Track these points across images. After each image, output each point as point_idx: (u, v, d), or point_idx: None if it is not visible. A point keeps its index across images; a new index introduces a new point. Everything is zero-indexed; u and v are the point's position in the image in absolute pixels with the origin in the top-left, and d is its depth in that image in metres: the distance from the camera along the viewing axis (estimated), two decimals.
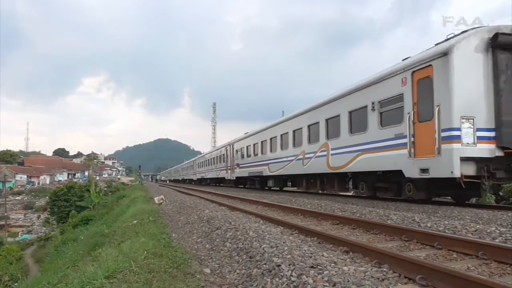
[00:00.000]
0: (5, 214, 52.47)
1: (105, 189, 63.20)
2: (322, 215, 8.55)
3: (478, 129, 8.33)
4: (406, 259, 3.97)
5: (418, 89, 9.32)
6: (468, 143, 8.26)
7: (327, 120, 13.86)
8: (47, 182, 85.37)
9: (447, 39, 9.08)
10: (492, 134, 8.40)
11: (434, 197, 11.09)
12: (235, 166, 26.31)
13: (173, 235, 7.74)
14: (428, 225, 6.64)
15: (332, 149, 13.30)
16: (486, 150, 8.36)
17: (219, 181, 34.02)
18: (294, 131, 16.84)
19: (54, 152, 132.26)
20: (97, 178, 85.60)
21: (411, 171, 9.38)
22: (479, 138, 8.34)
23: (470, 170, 8.32)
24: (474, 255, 4.59)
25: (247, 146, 24.23)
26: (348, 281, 3.53)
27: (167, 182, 78.34)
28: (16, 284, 15.03)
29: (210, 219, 8.64)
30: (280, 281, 3.94)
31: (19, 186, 76.75)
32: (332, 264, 4.14)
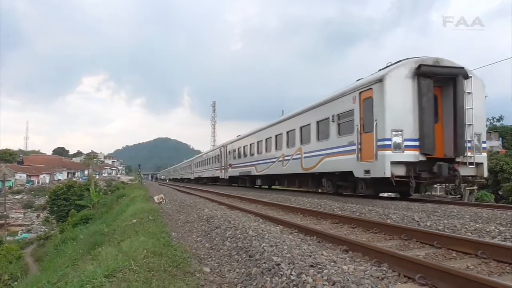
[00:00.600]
0: (5, 213, 52.45)
1: (105, 188, 63.23)
2: (321, 214, 8.55)
3: (406, 139, 10.35)
4: (406, 258, 3.97)
5: (364, 107, 11.39)
6: (397, 150, 10.29)
7: (301, 128, 15.89)
8: (47, 181, 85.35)
9: (386, 67, 11.20)
10: (417, 143, 10.37)
11: (381, 193, 13.21)
12: (228, 166, 28.15)
13: (173, 234, 7.75)
14: (428, 224, 6.65)
15: (305, 153, 15.35)
16: (412, 155, 10.34)
17: (214, 180, 35.68)
18: (276, 136, 18.82)
19: (53, 151, 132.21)
20: (97, 177, 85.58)
21: (359, 172, 11.42)
22: (406, 146, 10.33)
23: (401, 171, 10.31)
24: (473, 254, 4.59)
25: (238, 148, 25.96)
26: (348, 280, 3.53)
27: (167, 181, 78.37)
28: (15, 283, 15.03)
29: (209, 218, 8.64)
30: (280, 280, 3.94)
31: (18, 185, 76.75)
32: (332, 263, 4.14)
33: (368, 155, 10.99)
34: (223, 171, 29.88)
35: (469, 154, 10.59)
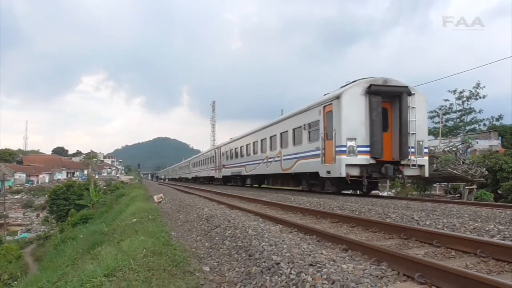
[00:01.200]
0: (4, 212, 52.41)
1: (104, 187, 63.18)
2: (321, 213, 8.56)
3: (359, 146, 12.36)
4: (405, 257, 3.98)
5: (327, 118, 13.47)
6: (351, 155, 12.31)
7: (281, 133, 18.01)
8: (46, 180, 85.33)
9: (346, 84, 13.43)
10: (368, 149, 12.38)
11: (342, 191, 15.06)
12: (222, 167, 30.25)
13: (172, 233, 7.76)
14: (427, 223, 6.66)
15: (284, 156, 17.40)
16: (364, 159, 12.37)
17: (210, 180, 37.32)
18: (261, 140, 20.92)
19: (53, 151, 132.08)
20: (96, 176, 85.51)
21: (323, 173, 13.56)
22: (359, 151, 12.35)
23: (355, 172, 12.38)
24: (472, 253, 4.60)
25: (230, 150, 27.97)
26: (347, 279, 3.53)
27: (166, 180, 78.37)
28: (15, 282, 15.02)
29: (209, 217, 8.64)
30: (279, 279, 3.95)
31: (18, 185, 76.73)
32: (331, 262, 4.15)
33: (329, 159, 13.17)
34: (217, 171, 31.79)
35: (412, 157, 12.63)
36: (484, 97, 47.76)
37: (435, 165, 21.42)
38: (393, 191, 29.11)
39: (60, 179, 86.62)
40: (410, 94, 12.72)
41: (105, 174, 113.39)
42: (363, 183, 12.35)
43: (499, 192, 21.11)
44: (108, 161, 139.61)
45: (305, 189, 16.94)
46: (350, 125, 12.44)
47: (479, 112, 48.81)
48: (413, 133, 12.68)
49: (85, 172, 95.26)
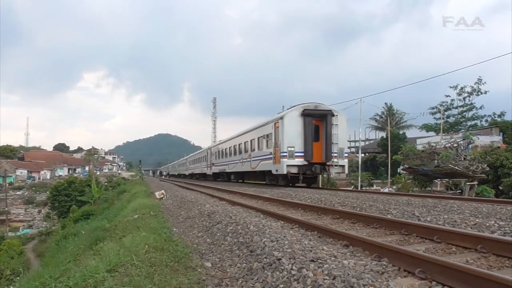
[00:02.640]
0: (6, 209, 52.61)
1: (106, 184, 63.32)
2: (322, 209, 8.57)
3: (296, 152, 16.99)
4: (405, 253, 4.00)
5: (276, 132, 18.26)
6: (291, 158, 16.97)
7: (251, 140, 22.68)
8: (48, 177, 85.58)
9: (289, 108, 18.65)
10: (302, 154, 17.00)
11: (290, 184, 18.69)
12: (212, 165, 34.82)
13: (174, 229, 7.79)
14: (428, 219, 6.68)
15: (252, 157, 22.11)
16: (300, 161, 17.01)
17: (203, 176, 41.34)
18: (239, 144, 25.53)
19: (54, 147, 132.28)
20: (98, 173, 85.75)
21: (274, 171, 18.37)
22: (297, 156, 16.99)
23: (294, 170, 17.10)
24: (473, 248, 4.61)
25: (218, 151, 32.72)
26: (348, 274, 3.55)
27: (168, 176, 78.56)
28: (17, 278, 15.09)
29: (210, 213, 8.67)
30: (281, 274, 3.97)
31: (19, 181, 76.96)
32: (332, 258, 4.17)
33: (277, 161, 17.81)
34: (208, 168, 36.40)
35: (335, 160, 17.28)
36: (485, 92, 47.56)
37: (436, 161, 21.43)
38: (394, 187, 29.20)
39: (61, 175, 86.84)
40: (333, 115, 17.51)
41: (107, 170, 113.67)
42: (299, 178, 17.25)
43: (500, 188, 21.12)
44: (110, 157, 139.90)
45: (267, 183, 21.15)
46: (290, 137, 17.16)
47: (481, 108, 48.66)
48: (336, 143, 17.34)
49: (87, 168, 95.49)
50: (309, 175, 17.82)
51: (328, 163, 17.30)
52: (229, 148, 28.12)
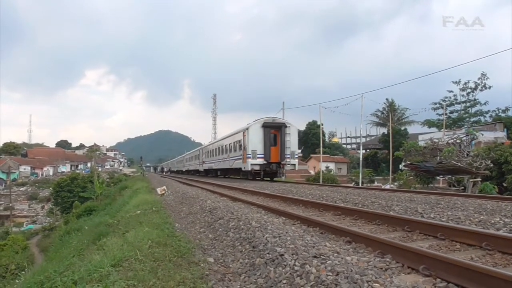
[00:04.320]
0: (10, 204, 52.88)
1: (108, 180, 63.47)
2: (323, 205, 8.54)
3: (257, 154, 21.92)
4: (409, 249, 3.97)
5: (244, 139, 23.16)
6: (254, 159, 22.07)
7: (229, 144, 28.10)
8: (51, 173, 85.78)
9: (254, 120, 23.75)
10: (263, 155, 21.99)
11: (257, 178, 23.44)
12: (203, 162, 40.26)
13: (176, 225, 7.79)
14: (431, 215, 6.65)
15: (230, 157, 27.49)
16: (261, 161, 22.02)
17: (197, 172, 46.43)
18: (221, 146, 30.91)
19: (57, 144, 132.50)
20: (100, 169, 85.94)
21: (243, 168, 23.42)
22: (258, 157, 21.99)
23: (257, 168, 22.29)
24: (477, 245, 4.57)
25: (207, 151, 38.31)
26: (351, 270, 3.54)
27: (169, 172, 78.78)
28: (22, 272, 15.18)
29: (212, 209, 8.67)
30: (284, 270, 3.96)
31: (23, 177, 77.23)
32: (335, 254, 4.16)
33: (245, 160, 22.95)
34: (200, 165, 41.99)
35: (288, 160, 22.59)
36: (489, 87, 47.08)
37: (438, 157, 21.34)
38: (395, 184, 29.17)
39: (64, 171, 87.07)
40: (286, 126, 22.81)
41: (108, 167, 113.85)
42: (261, 174, 22.70)
43: (504, 184, 20.99)
44: (111, 154, 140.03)
45: (242, 178, 25.98)
46: (253, 143, 22.32)
47: (485, 104, 48.19)
48: (289, 147, 22.65)
49: (89, 165, 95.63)
50: (268, 171, 22.90)
51: (282, 162, 22.54)
52: (215, 149, 33.67)
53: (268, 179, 23.71)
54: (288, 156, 22.36)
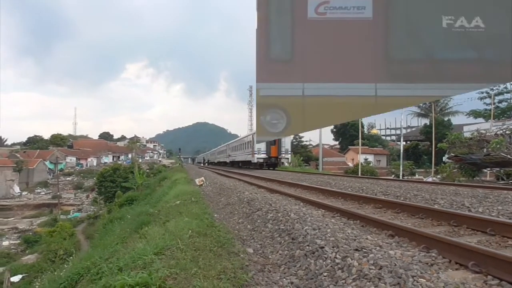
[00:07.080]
0: (58, 193, 56.31)
1: (148, 171, 65.72)
2: (363, 198, 8.36)
3: (261, 151, 30.50)
4: (457, 245, 3.81)
5: (252, 140, 31.30)
6: (259, 154, 30.84)
7: (240, 144, 37.97)
8: (94, 164, 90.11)
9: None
10: (265, 152, 30.60)
11: (262, 168, 30.68)
12: (229, 156, 48.20)
13: (215, 215, 7.93)
14: (480, 210, 6.32)
15: (244, 153, 35.24)
16: (264, 156, 30.80)
17: (225, 163, 53.31)
18: (239, 144, 38.61)
19: (99, 136, 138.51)
20: (140, 160, 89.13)
21: (252, 161, 31.70)
22: (261, 153, 30.66)
23: (261, 161, 31.04)
24: None
25: (232, 147, 45.92)
26: (395, 265, 3.45)
27: (207, 163, 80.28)
28: (70, 258, 16.16)
29: (250, 200, 8.75)
30: (324, 262, 3.93)
31: (69, 168, 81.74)
32: (377, 248, 4.06)
33: (253, 155, 30.67)
34: (228, 158, 49.80)
35: (283, 155, 30.76)
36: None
37: (485, 149, 20.22)
38: (438, 176, 28.01)
39: (106, 162, 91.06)
40: None
41: (148, 158, 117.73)
42: (264, 165, 30.54)
43: None
44: (150, 145, 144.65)
45: (251, 168, 32.09)
46: (257, 144, 28.68)
47: None
48: (283, 146, 30.34)
49: (129, 156, 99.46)
50: (269, 163, 30.96)
51: (279, 157, 30.70)
52: (236, 146, 41.86)
53: (272, 168, 31.48)
54: (283, 152, 30.83)
